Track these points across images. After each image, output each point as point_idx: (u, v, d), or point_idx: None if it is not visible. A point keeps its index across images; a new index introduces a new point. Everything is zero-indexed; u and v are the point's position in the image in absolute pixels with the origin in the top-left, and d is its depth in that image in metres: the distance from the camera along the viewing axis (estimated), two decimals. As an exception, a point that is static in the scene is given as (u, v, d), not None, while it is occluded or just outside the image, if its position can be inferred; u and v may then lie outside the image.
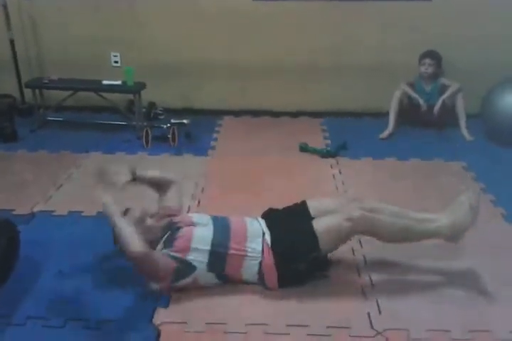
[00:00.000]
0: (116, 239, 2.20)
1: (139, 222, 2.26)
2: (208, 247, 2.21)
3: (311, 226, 2.22)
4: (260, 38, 4.23)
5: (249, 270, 2.24)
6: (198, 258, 2.20)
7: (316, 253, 2.22)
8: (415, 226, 2.25)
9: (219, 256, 2.21)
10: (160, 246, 2.27)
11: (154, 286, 2.18)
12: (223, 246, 2.21)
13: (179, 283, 2.20)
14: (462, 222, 2.22)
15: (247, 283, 2.26)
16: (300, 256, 2.21)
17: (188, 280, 2.21)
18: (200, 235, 2.24)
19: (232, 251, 2.21)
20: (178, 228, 2.28)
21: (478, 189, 2.31)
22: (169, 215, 2.38)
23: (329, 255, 2.37)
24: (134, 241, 2.08)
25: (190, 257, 2.19)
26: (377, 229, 2.23)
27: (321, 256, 2.26)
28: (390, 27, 4.15)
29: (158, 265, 2.14)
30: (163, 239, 2.28)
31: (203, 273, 2.21)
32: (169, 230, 2.29)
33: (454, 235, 2.25)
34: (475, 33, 4.09)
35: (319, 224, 2.23)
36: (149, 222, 2.30)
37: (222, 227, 2.30)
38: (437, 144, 3.90)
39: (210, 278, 2.24)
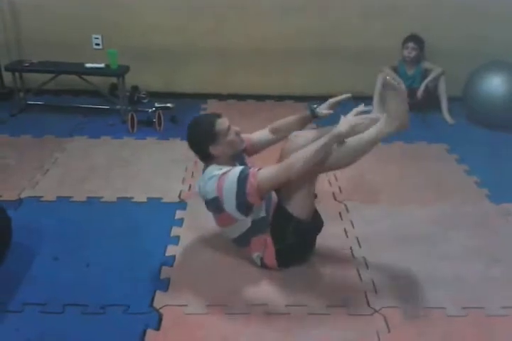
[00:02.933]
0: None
1: (225, 131, 2.17)
2: (264, 214, 2.21)
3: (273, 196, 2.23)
4: (244, 22, 4.19)
5: (262, 248, 2.26)
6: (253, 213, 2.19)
7: (292, 220, 2.17)
8: (358, 139, 2.12)
9: (259, 227, 2.21)
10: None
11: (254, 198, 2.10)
12: (265, 223, 2.22)
13: (242, 216, 2.17)
14: (395, 106, 2.08)
15: (252, 260, 2.29)
16: (284, 227, 2.20)
17: (242, 216, 2.18)
18: None
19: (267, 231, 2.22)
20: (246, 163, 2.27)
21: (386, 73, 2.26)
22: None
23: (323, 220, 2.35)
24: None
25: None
26: (323, 161, 2.10)
27: (299, 222, 2.18)
28: (374, 11, 4.16)
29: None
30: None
31: (243, 225, 2.21)
32: (237, 160, 2.26)
33: (398, 120, 2.08)
34: (458, 17, 4.14)
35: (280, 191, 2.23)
36: (231, 136, 2.19)
37: (268, 200, 2.27)
38: (420, 127, 3.96)
39: (237, 233, 2.24)
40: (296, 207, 2.17)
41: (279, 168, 2.08)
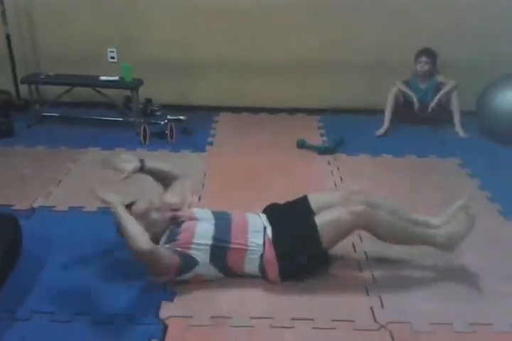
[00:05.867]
0: (122, 233, 2.20)
1: (144, 215, 2.28)
2: (210, 241, 2.23)
3: (313, 221, 2.26)
4: (258, 35, 4.24)
5: (251, 263, 2.27)
6: (200, 252, 2.22)
7: (316, 247, 2.24)
8: (414, 230, 2.30)
9: (220, 250, 2.24)
10: (163, 240, 2.29)
11: (158, 279, 2.21)
12: (224, 241, 2.25)
13: (182, 277, 2.23)
14: (460, 232, 2.29)
15: (249, 276, 2.29)
16: (301, 249, 2.24)
17: (191, 274, 2.23)
18: (202, 230, 2.27)
19: (233, 245, 2.24)
20: (181, 222, 2.31)
21: (474, 197, 2.39)
22: (172, 210, 2.40)
23: (330, 252, 2.37)
24: (141, 239, 2.10)
25: (193, 251, 2.22)
26: (376, 226, 2.26)
27: (321, 252, 2.27)
28: (387, 24, 4.17)
29: (163, 261, 2.16)
30: (167, 233, 2.30)
31: (205, 267, 2.24)
32: (172, 224, 2.32)
33: (449, 244, 2.31)
34: (471, 30, 4.13)
35: (320, 219, 2.27)
36: (154, 215, 2.31)
37: (223, 222, 2.33)
38: (432, 141, 3.94)
39: (213, 271, 2.27)
40: (328, 240, 2.24)
41: None
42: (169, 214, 2.34)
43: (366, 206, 2.24)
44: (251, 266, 2.27)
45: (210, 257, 2.23)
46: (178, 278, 2.22)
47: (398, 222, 2.29)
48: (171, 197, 2.49)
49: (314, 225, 2.24)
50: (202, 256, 2.22)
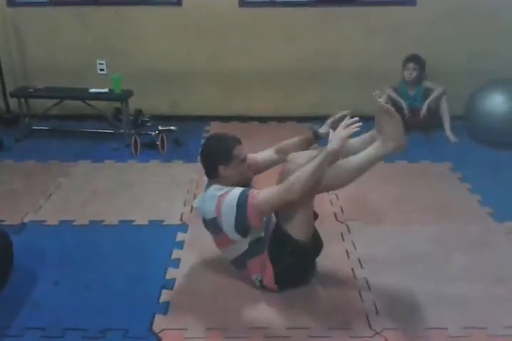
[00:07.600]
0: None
1: (240, 162, 2.20)
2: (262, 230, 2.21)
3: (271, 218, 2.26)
4: (247, 45, 4.26)
5: (261, 270, 2.24)
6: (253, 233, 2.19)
7: (291, 241, 2.15)
8: (354, 159, 2.13)
9: (258, 245, 2.20)
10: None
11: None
12: (264, 243, 2.21)
13: (240, 237, 2.17)
14: (389, 128, 2.09)
15: (251, 282, 2.27)
16: (281, 249, 2.19)
17: (242, 239, 2.17)
18: None
19: (265, 254, 2.21)
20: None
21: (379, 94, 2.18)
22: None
23: (321, 256, 2.35)
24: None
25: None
26: (320, 180, 2.10)
27: (297, 244, 2.16)
28: (375, 32, 4.21)
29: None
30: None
31: (240, 247, 2.20)
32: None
33: (394, 142, 2.08)
34: (458, 36, 4.17)
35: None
36: (244, 168, 2.24)
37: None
38: (423, 146, 3.96)
39: (236, 255, 2.23)
40: (295, 228, 2.16)
41: (279, 189, 2.09)
42: (251, 177, 2.36)
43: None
44: (258, 272, 2.24)
45: (247, 248, 2.20)
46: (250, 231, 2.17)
47: (337, 167, 2.13)
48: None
49: (276, 221, 2.22)
50: (252, 236, 2.19)
